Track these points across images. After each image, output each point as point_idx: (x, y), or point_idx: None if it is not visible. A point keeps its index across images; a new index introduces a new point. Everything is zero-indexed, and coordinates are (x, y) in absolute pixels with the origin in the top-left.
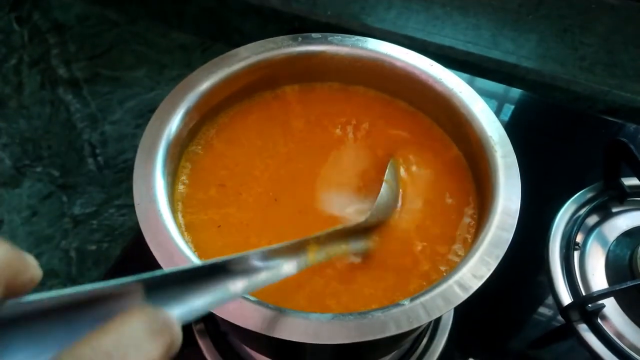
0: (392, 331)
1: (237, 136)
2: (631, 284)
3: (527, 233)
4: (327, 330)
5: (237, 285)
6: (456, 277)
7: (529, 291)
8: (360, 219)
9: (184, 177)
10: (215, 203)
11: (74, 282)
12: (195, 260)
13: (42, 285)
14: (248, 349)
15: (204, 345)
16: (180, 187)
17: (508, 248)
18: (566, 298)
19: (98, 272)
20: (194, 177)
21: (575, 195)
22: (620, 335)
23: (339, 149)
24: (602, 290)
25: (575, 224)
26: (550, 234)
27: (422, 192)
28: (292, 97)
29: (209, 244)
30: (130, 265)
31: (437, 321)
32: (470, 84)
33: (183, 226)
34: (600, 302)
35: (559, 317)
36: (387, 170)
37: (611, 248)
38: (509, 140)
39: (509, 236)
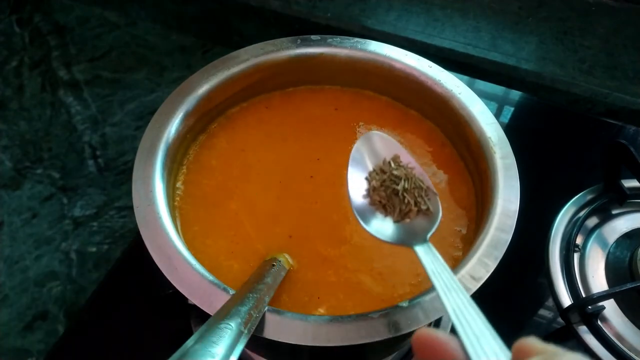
0: (391, 333)
1: (236, 138)
2: (631, 286)
3: (527, 235)
4: (325, 333)
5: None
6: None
7: (528, 293)
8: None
9: (183, 180)
10: (215, 205)
11: (74, 283)
12: (193, 262)
13: (42, 287)
14: (247, 351)
15: None
16: (180, 190)
17: (507, 250)
18: (566, 300)
19: (98, 274)
20: (193, 179)
21: (575, 197)
22: (620, 337)
23: (338, 150)
24: (602, 292)
25: (575, 226)
26: (550, 235)
27: None
28: (292, 98)
29: (208, 246)
30: (131, 267)
31: (437, 323)
32: (470, 86)
33: (182, 229)
34: (600, 304)
35: (559, 319)
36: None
37: (611, 250)
38: (508, 142)
39: (507, 237)
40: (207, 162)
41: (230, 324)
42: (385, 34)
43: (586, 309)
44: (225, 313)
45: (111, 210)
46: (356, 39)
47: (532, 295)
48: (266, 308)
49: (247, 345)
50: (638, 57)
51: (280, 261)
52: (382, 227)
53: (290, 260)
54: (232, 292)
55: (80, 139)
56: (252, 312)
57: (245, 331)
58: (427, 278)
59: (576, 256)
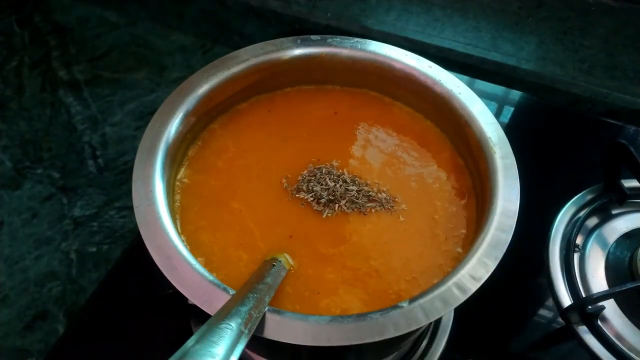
0: (391, 333)
1: (237, 138)
2: (631, 286)
3: (527, 235)
4: (325, 332)
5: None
6: (455, 278)
7: (529, 293)
8: None
9: (182, 179)
10: (214, 205)
11: (74, 283)
12: (193, 262)
13: (42, 287)
14: (247, 350)
15: None
16: (179, 190)
17: (508, 250)
18: (566, 300)
19: (98, 274)
20: (192, 179)
21: (575, 197)
22: (620, 337)
23: (338, 150)
24: (602, 292)
25: (575, 226)
26: (550, 235)
27: (420, 191)
28: (292, 99)
29: (208, 246)
30: (131, 267)
31: (437, 323)
32: (470, 86)
33: (181, 228)
34: (600, 303)
35: (559, 319)
36: None
37: (611, 250)
38: (508, 142)
39: (507, 237)
40: (207, 162)
41: (231, 324)
42: (385, 34)
43: (586, 309)
44: (225, 313)
45: (111, 210)
46: (356, 39)
47: (532, 295)
48: (266, 308)
49: (248, 345)
50: (638, 57)
51: (280, 261)
52: None
53: (290, 260)
54: (232, 292)
55: (80, 139)
56: (252, 312)
57: (246, 331)
58: (420, 276)
59: (576, 256)
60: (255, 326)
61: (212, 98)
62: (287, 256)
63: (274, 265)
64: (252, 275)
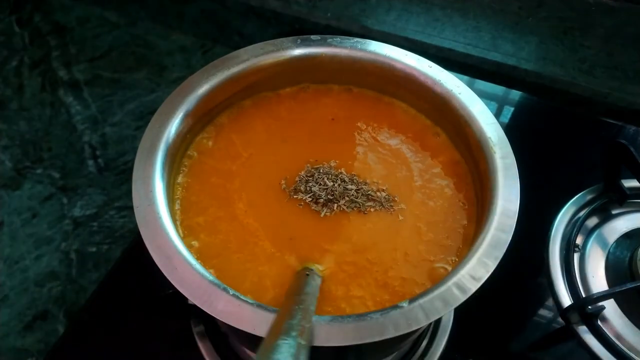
0: (391, 333)
1: (236, 138)
2: (631, 286)
3: (527, 235)
4: (325, 332)
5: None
6: (455, 278)
7: (529, 293)
8: None
9: (183, 179)
10: (214, 205)
11: (74, 283)
12: (193, 262)
13: (42, 287)
14: (248, 351)
15: (203, 347)
16: (179, 189)
17: (508, 250)
18: (566, 300)
19: (98, 274)
20: (193, 179)
21: (575, 197)
22: (620, 337)
23: (337, 151)
24: (602, 292)
25: (575, 226)
26: (550, 235)
27: (420, 191)
28: (292, 99)
29: (208, 246)
30: (131, 267)
31: (437, 323)
32: (470, 86)
33: (182, 228)
34: (600, 303)
35: (559, 319)
36: None
37: (611, 250)
38: (508, 142)
39: (507, 237)
40: (206, 162)
41: (287, 338)
42: (385, 34)
43: (586, 309)
44: (278, 330)
45: (111, 210)
46: (356, 39)
47: (532, 295)
48: (314, 317)
49: (247, 345)
50: (638, 57)
51: (312, 269)
52: None
53: (320, 267)
54: (232, 292)
55: (80, 139)
56: (303, 323)
57: (304, 343)
58: (416, 275)
59: (576, 256)
60: (311, 336)
61: (212, 98)
62: (317, 265)
63: (307, 274)
64: (290, 288)
